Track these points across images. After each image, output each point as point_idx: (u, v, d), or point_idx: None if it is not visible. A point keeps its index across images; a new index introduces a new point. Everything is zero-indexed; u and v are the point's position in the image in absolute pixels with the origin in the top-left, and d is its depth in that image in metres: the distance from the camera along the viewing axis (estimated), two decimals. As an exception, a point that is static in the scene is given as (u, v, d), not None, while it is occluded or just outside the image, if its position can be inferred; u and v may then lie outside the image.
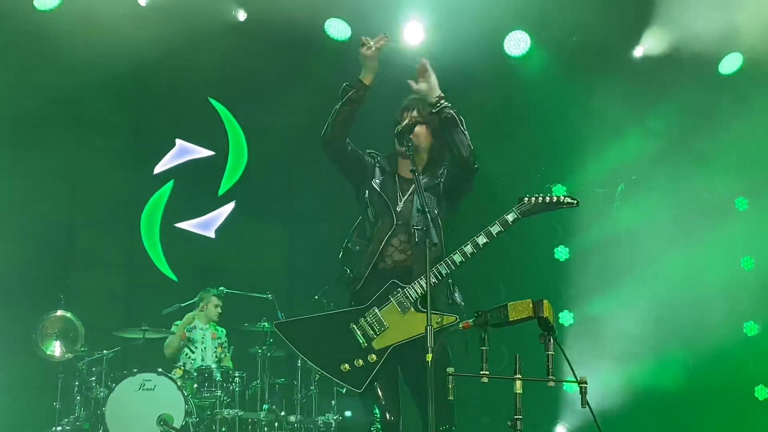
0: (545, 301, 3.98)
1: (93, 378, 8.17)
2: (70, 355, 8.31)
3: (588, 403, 3.98)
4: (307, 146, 9.77)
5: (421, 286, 4.54)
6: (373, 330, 4.56)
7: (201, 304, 9.06)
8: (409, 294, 4.58)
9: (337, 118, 4.84)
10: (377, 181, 4.89)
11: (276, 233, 10.35)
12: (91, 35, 9.33)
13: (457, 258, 4.61)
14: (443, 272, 4.61)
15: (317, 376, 4.15)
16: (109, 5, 8.85)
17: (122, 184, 9.89)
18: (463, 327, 4.16)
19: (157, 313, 8.78)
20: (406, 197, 4.84)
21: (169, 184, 10.34)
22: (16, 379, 8.77)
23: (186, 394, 7.95)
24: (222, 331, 9.19)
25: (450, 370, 4.03)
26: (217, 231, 10.39)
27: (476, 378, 3.97)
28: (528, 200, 4.74)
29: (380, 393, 4.60)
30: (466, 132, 4.79)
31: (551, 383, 3.98)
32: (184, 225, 10.32)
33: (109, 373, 8.24)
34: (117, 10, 8.88)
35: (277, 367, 8.87)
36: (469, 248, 4.63)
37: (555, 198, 4.81)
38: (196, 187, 10.47)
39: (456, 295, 4.78)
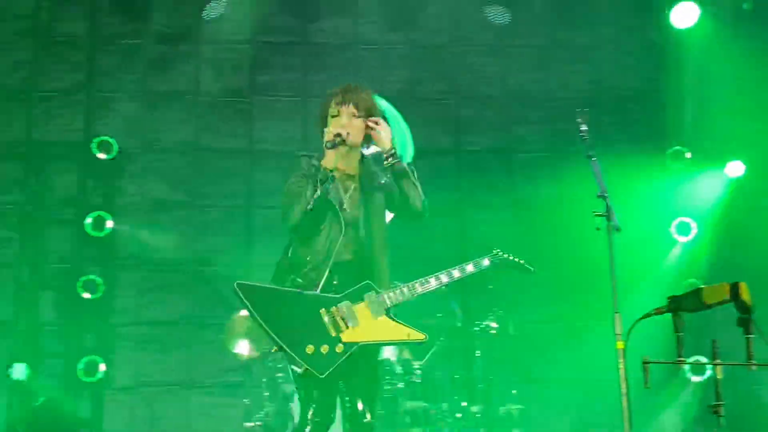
0: (742, 283, 3.88)
1: (281, 375, 8.43)
2: (257, 354, 8.59)
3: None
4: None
5: (397, 295, 4.68)
6: (344, 322, 4.56)
7: None
8: (385, 300, 4.66)
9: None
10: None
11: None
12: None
13: (432, 283, 4.74)
14: (419, 292, 4.73)
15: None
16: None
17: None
18: (655, 313, 4.11)
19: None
20: (349, 194, 4.81)
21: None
22: (209, 379, 9.32)
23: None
24: None
25: (646, 357, 3.97)
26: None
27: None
28: (499, 253, 4.96)
29: (317, 393, 4.61)
30: (417, 183, 4.82)
31: (753, 367, 3.88)
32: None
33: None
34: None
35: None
36: (444, 278, 4.75)
37: (519, 261, 5.04)
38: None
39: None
